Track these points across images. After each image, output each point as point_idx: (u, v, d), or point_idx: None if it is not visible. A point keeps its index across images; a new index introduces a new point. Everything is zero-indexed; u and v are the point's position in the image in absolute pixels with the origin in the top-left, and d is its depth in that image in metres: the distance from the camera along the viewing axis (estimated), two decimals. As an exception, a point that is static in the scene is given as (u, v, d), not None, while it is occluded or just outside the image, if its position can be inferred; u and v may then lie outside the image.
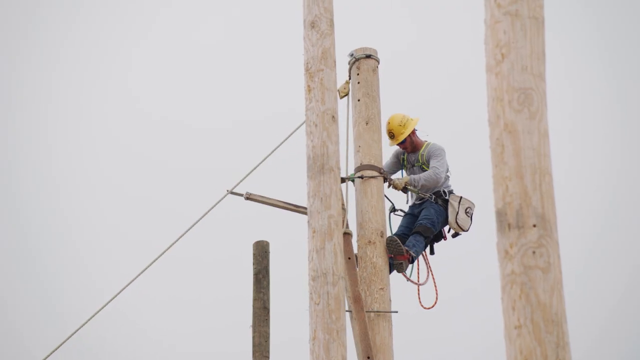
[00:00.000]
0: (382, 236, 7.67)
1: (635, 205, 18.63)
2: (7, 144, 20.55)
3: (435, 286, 8.09)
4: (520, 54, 4.02)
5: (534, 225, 3.80)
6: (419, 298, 8.05)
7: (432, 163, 8.40)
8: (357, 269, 7.59)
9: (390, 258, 7.72)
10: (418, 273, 8.07)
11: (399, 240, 7.71)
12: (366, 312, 7.38)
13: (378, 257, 7.59)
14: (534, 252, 3.78)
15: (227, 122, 20.85)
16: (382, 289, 7.54)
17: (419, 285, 8.07)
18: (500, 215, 3.86)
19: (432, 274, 8.10)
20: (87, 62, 21.52)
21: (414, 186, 8.28)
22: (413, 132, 8.54)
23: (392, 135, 8.46)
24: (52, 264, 19.54)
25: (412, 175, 8.34)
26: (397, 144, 8.52)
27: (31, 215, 20.08)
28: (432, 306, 8.11)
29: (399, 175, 8.60)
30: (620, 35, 19.90)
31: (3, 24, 20.89)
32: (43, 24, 21.21)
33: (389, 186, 8.21)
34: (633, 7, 19.50)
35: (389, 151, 8.54)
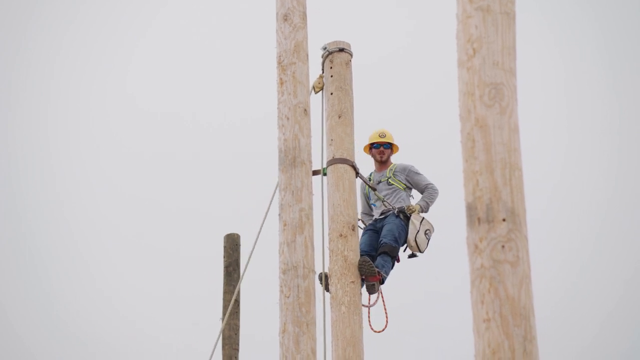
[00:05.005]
0: (353, 229, 7.67)
1: (636, 200, 18.71)
2: (7, 143, 20.45)
3: (385, 309, 8.06)
4: (492, 49, 4.04)
5: (504, 220, 3.82)
6: (369, 321, 8.02)
7: (420, 180, 8.65)
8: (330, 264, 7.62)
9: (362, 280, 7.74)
10: (369, 296, 8.04)
11: (371, 262, 7.72)
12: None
13: (349, 250, 7.58)
14: (503, 247, 3.80)
15: (228, 119, 20.83)
16: (352, 282, 7.54)
17: (369, 307, 8.04)
18: (470, 209, 3.88)
19: (382, 297, 8.09)
20: (86, 62, 21.47)
21: (425, 210, 8.51)
22: (396, 148, 8.80)
23: (383, 135, 8.72)
24: (52, 264, 19.47)
25: (420, 205, 8.51)
26: (383, 144, 8.70)
27: (31, 215, 19.99)
28: (383, 329, 8.10)
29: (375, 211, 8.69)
30: (618, 33, 20.01)
31: (3, 24, 20.78)
32: (42, 23, 21.11)
33: (408, 212, 8.40)
34: (631, 5, 19.60)
35: (361, 146, 8.62)
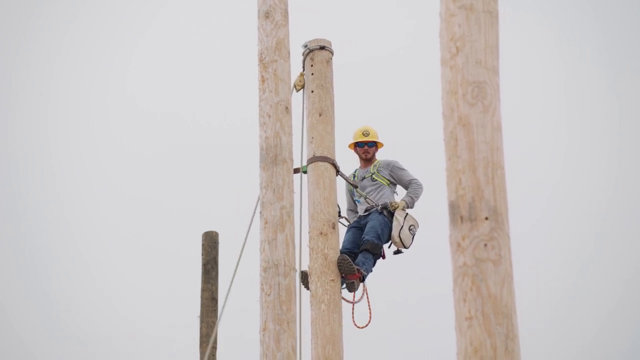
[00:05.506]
0: (333, 227, 7.67)
1: (635, 200, 18.76)
2: (7, 143, 20.36)
3: (369, 305, 8.08)
4: (475, 48, 4.05)
5: (486, 218, 3.83)
6: (353, 316, 8.03)
7: (404, 176, 8.69)
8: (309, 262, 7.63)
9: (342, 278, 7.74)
10: (354, 293, 8.04)
11: (350, 260, 7.72)
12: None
13: (329, 248, 7.59)
14: (485, 245, 3.80)
15: (228, 119, 20.79)
16: (332, 280, 7.54)
17: (353, 303, 8.05)
18: (453, 207, 3.89)
19: (366, 293, 8.10)
20: (86, 62, 21.39)
21: (410, 206, 8.51)
22: (380, 144, 8.82)
23: (367, 133, 8.73)
24: (52, 264, 19.40)
25: (405, 200, 8.52)
26: (367, 143, 8.69)
27: (31, 215, 19.91)
28: (366, 325, 8.11)
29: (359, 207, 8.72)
30: (618, 33, 20.06)
31: (3, 24, 20.68)
32: (42, 23, 21.02)
33: (392, 208, 8.40)
34: (631, 5, 19.66)
35: (341, 143, 8.63)
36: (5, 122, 20.43)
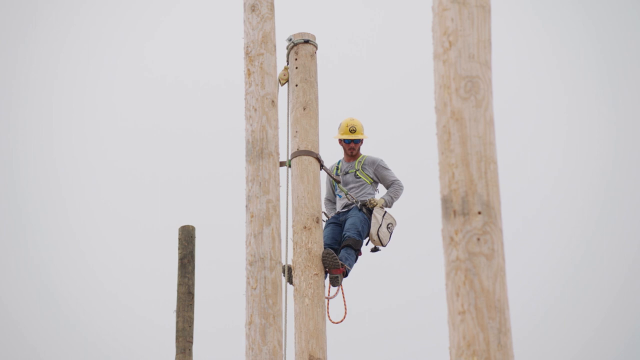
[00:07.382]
0: (317, 222, 7.66)
1: (633, 201, 18.82)
2: (9, 141, 20.18)
3: (345, 301, 8.08)
4: (467, 42, 4.05)
5: (479, 213, 3.83)
6: (328, 312, 8.02)
7: (388, 175, 8.67)
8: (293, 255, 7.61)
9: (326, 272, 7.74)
10: (329, 288, 8.04)
11: (335, 254, 7.73)
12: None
13: (313, 242, 7.58)
14: (478, 239, 3.81)
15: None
16: (316, 274, 7.53)
17: (328, 299, 8.04)
18: (446, 202, 3.89)
19: (342, 289, 8.10)
20: (88, 62, 21.21)
21: (389, 205, 8.53)
22: (365, 137, 8.78)
23: (353, 130, 8.63)
24: (55, 262, 19.26)
25: (385, 199, 8.53)
26: (354, 140, 8.65)
27: (33, 213, 19.74)
28: (341, 321, 8.11)
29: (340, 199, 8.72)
30: (616, 34, 20.14)
31: (5, 22, 20.49)
32: (45, 23, 20.85)
33: (370, 205, 8.40)
34: (631, 5, 19.74)
35: (325, 137, 8.60)
36: (7, 122, 20.29)
